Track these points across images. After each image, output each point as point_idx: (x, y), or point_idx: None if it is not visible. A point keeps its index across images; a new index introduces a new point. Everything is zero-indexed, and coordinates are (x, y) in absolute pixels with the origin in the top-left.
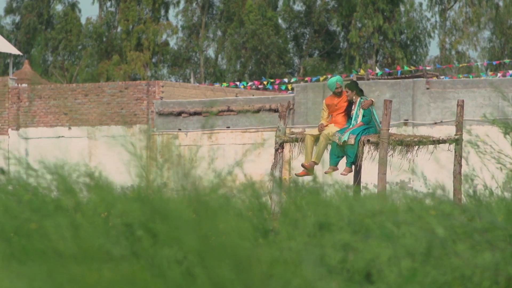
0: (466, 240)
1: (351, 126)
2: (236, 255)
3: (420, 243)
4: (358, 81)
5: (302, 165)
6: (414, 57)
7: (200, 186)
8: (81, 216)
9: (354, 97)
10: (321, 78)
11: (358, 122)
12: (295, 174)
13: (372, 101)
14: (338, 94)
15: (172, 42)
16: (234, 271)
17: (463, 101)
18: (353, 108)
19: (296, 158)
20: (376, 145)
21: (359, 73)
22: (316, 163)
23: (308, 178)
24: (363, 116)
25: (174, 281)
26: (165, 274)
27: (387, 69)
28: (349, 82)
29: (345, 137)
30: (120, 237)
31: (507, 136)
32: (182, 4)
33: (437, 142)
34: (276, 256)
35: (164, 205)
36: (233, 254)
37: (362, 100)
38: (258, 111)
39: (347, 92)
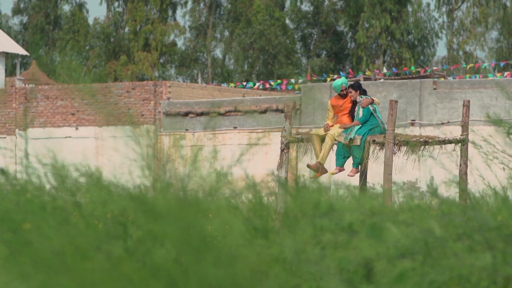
0: (465, 240)
1: (345, 125)
2: (226, 254)
3: (418, 243)
4: (365, 81)
5: (308, 166)
6: (422, 57)
7: (198, 186)
8: (78, 215)
9: (357, 97)
10: (328, 78)
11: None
12: (311, 177)
13: (373, 100)
14: (343, 95)
15: (180, 43)
16: (225, 270)
17: (469, 101)
18: (356, 108)
19: (302, 159)
20: (382, 145)
21: (365, 73)
22: (321, 164)
23: (311, 178)
24: (362, 115)
25: (169, 279)
26: (159, 273)
27: (394, 69)
28: (352, 82)
29: (351, 135)
30: (116, 236)
31: (511, 136)
32: (189, 5)
33: (443, 142)
34: (275, 256)
35: (156, 203)
36: (223, 252)
37: (361, 98)
38: (265, 111)
39: (350, 92)
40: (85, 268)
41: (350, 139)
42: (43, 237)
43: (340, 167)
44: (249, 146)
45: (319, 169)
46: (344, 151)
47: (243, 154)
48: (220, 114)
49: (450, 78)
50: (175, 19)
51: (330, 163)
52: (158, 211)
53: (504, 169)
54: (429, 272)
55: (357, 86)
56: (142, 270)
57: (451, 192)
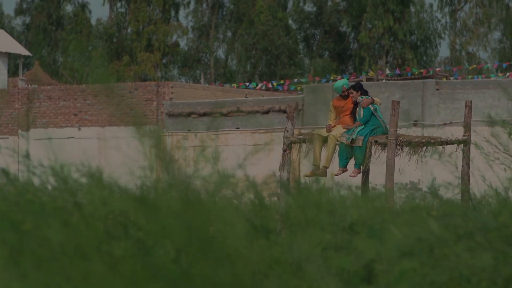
0: (465, 241)
1: (347, 126)
2: (227, 254)
3: (419, 243)
4: (368, 82)
5: (315, 174)
6: (424, 58)
7: (200, 187)
8: (78, 216)
9: (358, 98)
10: (331, 78)
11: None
12: (305, 175)
13: (373, 100)
14: (345, 96)
15: (182, 43)
16: (226, 270)
17: (471, 102)
18: (357, 109)
19: (304, 159)
20: (384, 146)
21: (368, 74)
22: (327, 167)
23: (313, 179)
24: (363, 115)
25: (170, 279)
26: (161, 273)
27: (397, 71)
28: (353, 83)
29: (353, 136)
30: (117, 237)
31: None
32: (192, 5)
33: (445, 143)
34: (276, 257)
35: (159, 204)
36: (224, 252)
37: (361, 98)
38: (267, 112)
39: (352, 93)
40: (85, 268)
41: (352, 139)
42: (43, 237)
43: (343, 168)
44: (253, 149)
45: (326, 173)
46: (347, 152)
47: (247, 158)
48: (222, 114)
49: (453, 79)
50: (177, 20)
51: (333, 164)
52: (160, 211)
53: (505, 170)
54: (430, 273)
55: (358, 87)
56: (142, 270)
57: (453, 193)
